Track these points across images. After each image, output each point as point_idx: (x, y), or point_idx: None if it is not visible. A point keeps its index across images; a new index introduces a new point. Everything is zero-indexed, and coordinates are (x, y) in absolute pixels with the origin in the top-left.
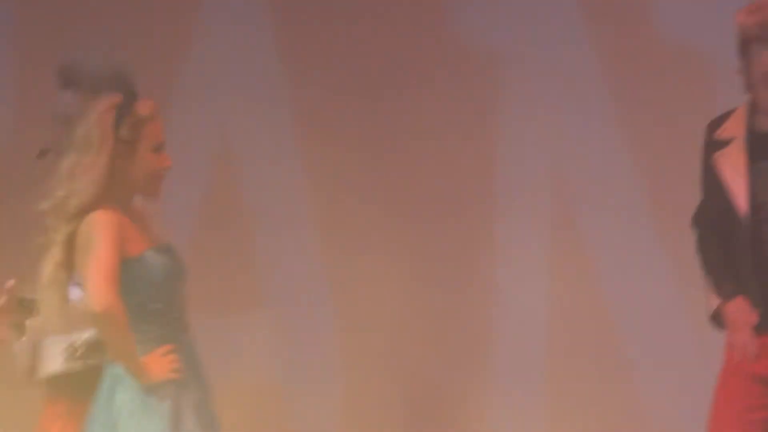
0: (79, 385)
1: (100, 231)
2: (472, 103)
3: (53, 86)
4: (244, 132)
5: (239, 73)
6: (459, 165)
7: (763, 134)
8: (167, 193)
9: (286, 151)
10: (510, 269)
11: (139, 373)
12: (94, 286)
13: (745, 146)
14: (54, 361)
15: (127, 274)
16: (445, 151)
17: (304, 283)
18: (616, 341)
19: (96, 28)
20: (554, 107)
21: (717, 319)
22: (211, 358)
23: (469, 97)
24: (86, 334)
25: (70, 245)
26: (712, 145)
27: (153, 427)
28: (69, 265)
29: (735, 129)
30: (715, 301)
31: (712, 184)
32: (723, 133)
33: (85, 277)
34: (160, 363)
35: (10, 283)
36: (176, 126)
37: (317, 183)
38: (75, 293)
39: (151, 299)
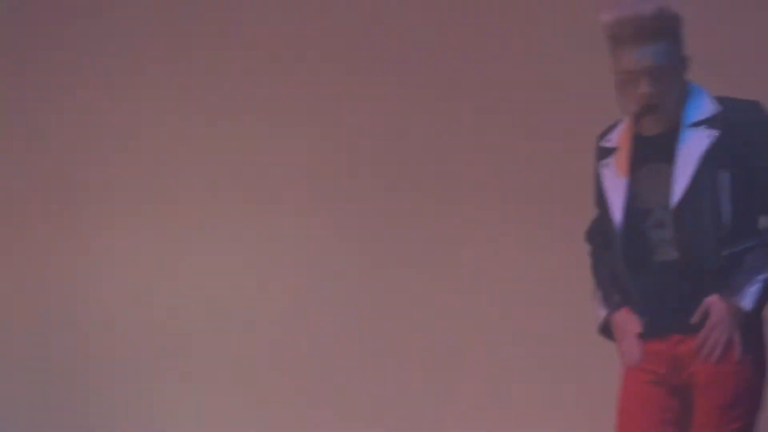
0: None
1: None
2: None
3: None
4: None
5: None
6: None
7: (648, 138)
8: None
9: None
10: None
11: None
12: None
13: (629, 153)
14: None
15: None
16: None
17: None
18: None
19: None
20: None
21: (606, 330)
22: None
23: None
24: None
25: None
26: (600, 155)
27: None
28: None
29: (621, 137)
30: (602, 312)
31: (598, 194)
32: (608, 142)
33: None
34: None
35: None
36: None
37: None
38: None
39: None
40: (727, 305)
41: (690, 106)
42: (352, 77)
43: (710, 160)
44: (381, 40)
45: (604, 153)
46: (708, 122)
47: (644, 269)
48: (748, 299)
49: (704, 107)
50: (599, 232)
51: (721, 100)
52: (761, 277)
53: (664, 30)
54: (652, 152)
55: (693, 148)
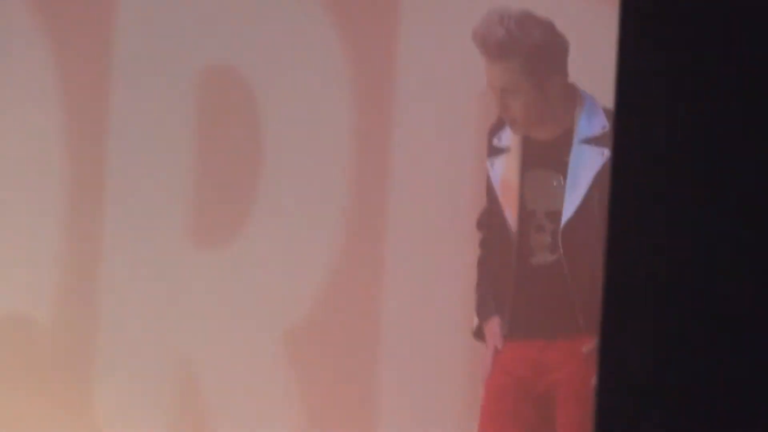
0: None
1: None
2: None
3: None
4: None
5: None
6: None
7: (538, 142)
8: None
9: None
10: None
11: None
12: None
13: (520, 155)
14: None
15: None
16: None
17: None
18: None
19: None
20: None
21: (479, 333)
22: None
23: None
24: None
25: None
26: (490, 151)
27: None
28: None
29: (512, 137)
30: (475, 319)
31: (488, 190)
32: (499, 141)
33: None
34: None
35: None
36: None
37: None
38: None
39: None
40: None
41: (583, 119)
42: None
43: (602, 180)
44: None
45: (495, 151)
46: (599, 140)
47: (520, 270)
48: None
49: (596, 123)
50: (487, 225)
51: (610, 114)
52: None
53: (515, 51)
54: (542, 157)
55: (585, 165)
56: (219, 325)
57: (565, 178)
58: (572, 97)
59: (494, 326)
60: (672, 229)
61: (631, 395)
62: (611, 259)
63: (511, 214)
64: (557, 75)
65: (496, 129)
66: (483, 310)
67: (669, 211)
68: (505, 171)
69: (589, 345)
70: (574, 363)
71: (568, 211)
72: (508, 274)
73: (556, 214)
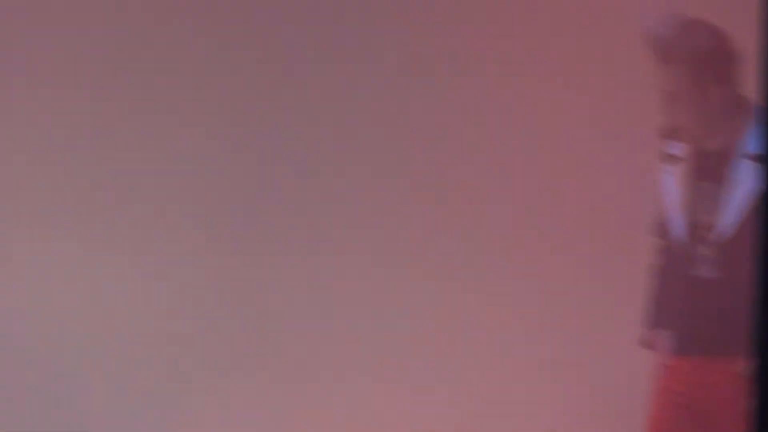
0: None
1: None
2: None
3: None
4: None
5: None
6: None
7: (707, 152)
8: None
9: None
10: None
11: None
12: None
13: (690, 165)
14: None
15: None
16: None
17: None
18: None
19: None
20: None
21: (645, 342)
22: None
23: None
24: None
25: None
26: (663, 158)
27: None
28: None
29: (685, 147)
30: (643, 330)
31: (661, 200)
32: (674, 149)
33: None
34: None
35: None
36: None
37: None
38: None
39: None
40: None
41: (751, 132)
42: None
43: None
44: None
45: (669, 159)
46: (763, 159)
47: (684, 282)
48: None
49: (761, 139)
50: (661, 233)
51: None
52: None
53: (679, 56)
54: (707, 168)
55: (746, 181)
56: None
57: (727, 191)
58: (741, 109)
59: (663, 339)
60: None
61: None
62: (763, 277)
63: (681, 224)
64: (724, 85)
65: (668, 135)
66: (651, 321)
67: None
68: (675, 179)
69: (743, 365)
70: (737, 383)
71: (724, 226)
72: (678, 286)
73: (716, 228)
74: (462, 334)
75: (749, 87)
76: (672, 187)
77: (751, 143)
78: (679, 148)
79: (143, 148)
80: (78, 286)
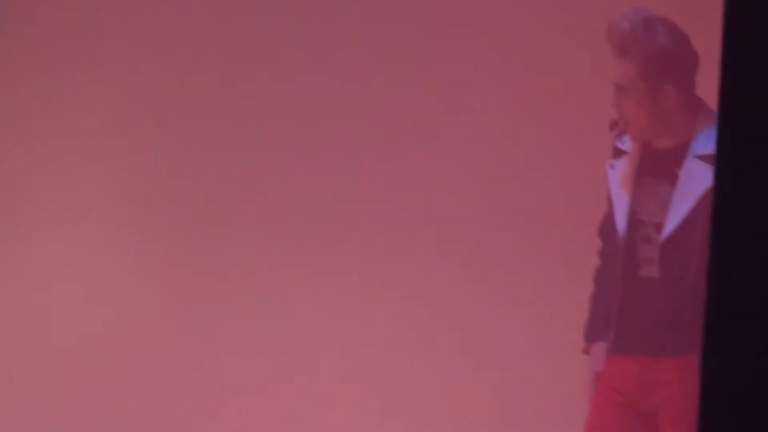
0: None
1: None
2: None
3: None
4: None
5: None
6: None
7: (656, 150)
8: None
9: None
10: None
11: None
12: None
13: (637, 161)
14: None
15: None
16: None
17: None
18: None
19: None
20: None
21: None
22: None
23: None
24: None
25: None
26: (614, 153)
27: None
28: None
29: (633, 142)
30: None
31: (607, 196)
32: (623, 144)
33: None
34: None
35: None
36: None
37: None
38: None
39: None
40: None
41: (703, 134)
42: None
43: (710, 200)
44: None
45: (616, 153)
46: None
47: (628, 281)
48: None
49: (712, 139)
50: (604, 233)
51: None
52: None
53: (639, 46)
54: (658, 167)
55: (696, 182)
56: None
57: (675, 191)
58: (696, 110)
59: (600, 349)
60: None
61: (735, 412)
62: (714, 275)
63: (622, 221)
64: (675, 85)
65: (617, 129)
66: (591, 332)
67: None
68: (621, 176)
69: (687, 364)
70: (679, 382)
71: (670, 225)
72: (616, 285)
73: (662, 228)
74: (395, 337)
75: (706, 89)
76: (617, 184)
77: (703, 144)
78: (626, 144)
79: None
80: (74, 285)
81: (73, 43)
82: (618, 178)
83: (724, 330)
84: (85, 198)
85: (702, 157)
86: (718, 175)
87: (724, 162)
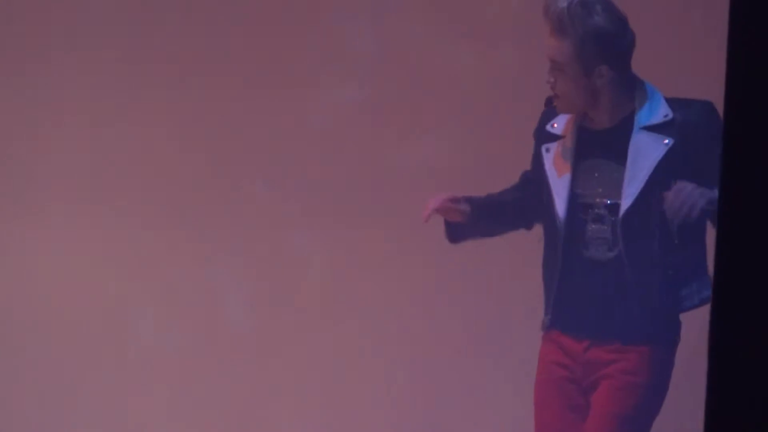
0: None
1: None
2: None
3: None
4: None
5: None
6: None
7: (595, 132)
8: None
9: None
10: None
11: None
12: None
13: (574, 143)
14: None
15: None
16: None
17: None
18: None
19: None
20: None
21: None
22: None
23: None
24: None
25: None
26: (543, 137)
27: None
28: None
29: (566, 125)
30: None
31: (535, 176)
32: (553, 128)
33: None
34: None
35: None
36: None
37: None
38: None
39: None
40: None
41: (643, 107)
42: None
43: (663, 170)
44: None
45: (548, 137)
46: (662, 128)
47: (574, 263)
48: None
49: (658, 110)
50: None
51: (674, 103)
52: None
53: (572, 29)
54: (599, 147)
55: (646, 154)
56: None
57: (624, 168)
58: (631, 86)
59: (553, 321)
60: None
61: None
62: (720, 276)
63: (561, 204)
64: (608, 66)
65: (551, 114)
66: (546, 304)
67: None
68: (557, 158)
69: (636, 346)
70: (626, 364)
71: (627, 202)
72: (556, 268)
73: (615, 207)
74: (355, 324)
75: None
76: (553, 167)
77: (646, 116)
78: (560, 126)
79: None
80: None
81: (71, 34)
82: (551, 160)
83: (731, 331)
84: (85, 194)
85: (648, 128)
86: (724, 175)
87: (730, 161)
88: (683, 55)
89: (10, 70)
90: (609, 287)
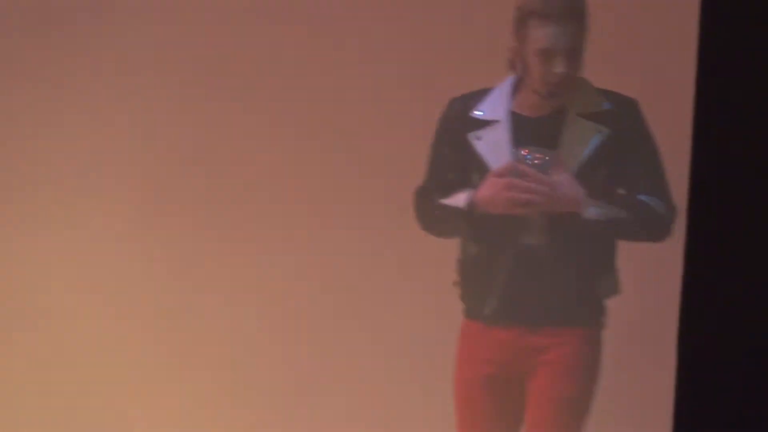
0: None
1: None
2: None
3: None
4: None
5: None
6: None
7: (528, 118)
8: None
9: None
10: None
11: None
12: None
13: (510, 130)
14: None
15: None
16: None
17: None
18: None
19: None
20: None
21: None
22: None
23: None
24: None
25: None
26: (469, 124)
27: None
28: None
29: (495, 110)
30: (462, 199)
31: (463, 162)
32: (481, 113)
33: None
34: None
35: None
36: None
37: None
38: None
39: None
40: (574, 186)
41: (578, 96)
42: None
43: (595, 158)
44: None
45: (477, 124)
46: (598, 117)
47: (505, 250)
48: (592, 210)
49: (593, 100)
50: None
51: (605, 94)
52: (613, 210)
53: (581, 12)
54: (533, 133)
55: (581, 141)
56: None
57: (557, 157)
58: (573, 79)
59: (483, 309)
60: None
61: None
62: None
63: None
64: (568, 58)
65: (467, 100)
66: (476, 291)
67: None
68: (494, 144)
69: (568, 335)
70: (563, 347)
71: (555, 192)
72: (494, 254)
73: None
74: (269, 310)
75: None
76: (490, 154)
77: (580, 106)
78: (490, 112)
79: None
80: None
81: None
82: (488, 147)
83: (700, 329)
84: (86, 196)
85: (584, 116)
86: (694, 172)
87: (701, 156)
88: (654, 54)
89: (9, 70)
90: (538, 273)
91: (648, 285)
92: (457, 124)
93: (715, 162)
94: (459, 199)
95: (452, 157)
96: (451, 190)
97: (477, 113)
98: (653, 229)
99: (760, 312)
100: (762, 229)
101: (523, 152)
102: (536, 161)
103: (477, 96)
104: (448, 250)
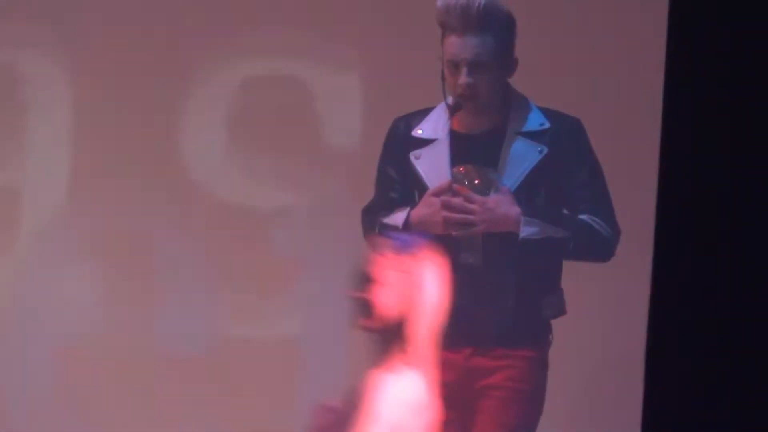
0: None
1: None
2: None
3: None
4: None
5: None
6: None
7: (467, 136)
8: None
9: None
10: None
11: None
12: None
13: (449, 149)
14: None
15: None
16: None
17: None
18: None
19: None
20: None
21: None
22: None
23: None
24: None
25: None
26: (409, 144)
27: None
28: None
29: (436, 129)
30: (401, 218)
31: (404, 183)
32: (421, 132)
33: None
34: None
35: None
36: None
37: None
38: None
39: None
40: (511, 206)
41: (517, 114)
42: None
43: (534, 177)
44: None
45: (417, 143)
46: (537, 136)
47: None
48: (525, 228)
49: (533, 118)
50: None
51: (547, 113)
52: (551, 229)
53: (491, 25)
54: (472, 152)
55: (520, 160)
56: None
57: (498, 174)
58: (507, 89)
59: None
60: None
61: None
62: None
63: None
64: (513, 60)
65: (409, 120)
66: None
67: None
68: (433, 163)
69: (505, 355)
70: (509, 370)
71: (492, 211)
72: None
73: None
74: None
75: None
76: (430, 173)
77: (521, 123)
78: (430, 131)
79: None
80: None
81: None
82: (427, 166)
83: (670, 330)
84: (85, 195)
85: (523, 134)
86: (662, 177)
87: (669, 162)
88: (623, 60)
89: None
90: (481, 294)
91: (615, 301)
92: (399, 143)
93: (683, 173)
94: (397, 219)
95: (395, 176)
96: (394, 208)
97: (418, 132)
98: (594, 249)
99: (727, 332)
100: (729, 240)
101: (461, 171)
102: (475, 180)
103: (420, 115)
104: None
